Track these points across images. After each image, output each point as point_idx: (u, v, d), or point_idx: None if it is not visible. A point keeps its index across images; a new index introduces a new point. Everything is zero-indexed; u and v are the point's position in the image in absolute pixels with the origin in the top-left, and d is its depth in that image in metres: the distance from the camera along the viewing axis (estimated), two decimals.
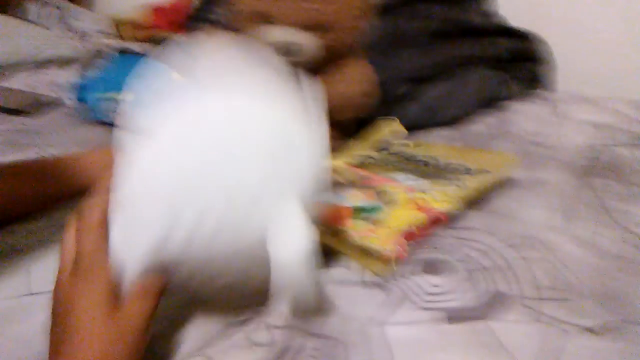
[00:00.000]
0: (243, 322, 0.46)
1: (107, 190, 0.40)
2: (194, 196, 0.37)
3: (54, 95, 1.11)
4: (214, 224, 0.38)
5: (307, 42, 0.65)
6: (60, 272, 0.40)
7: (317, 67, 0.68)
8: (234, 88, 0.41)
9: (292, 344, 0.44)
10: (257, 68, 0.43)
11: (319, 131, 0.43)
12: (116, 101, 0.95)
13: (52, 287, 0.41)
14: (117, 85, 0.98)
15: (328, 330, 0.45)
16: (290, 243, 0.38)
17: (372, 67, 0.75)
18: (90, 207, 0.40)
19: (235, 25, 0.70)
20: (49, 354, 0.38)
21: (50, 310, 0.40)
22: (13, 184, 0.62)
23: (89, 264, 0.38)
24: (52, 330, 0.39)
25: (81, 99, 1.03)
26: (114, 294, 0.38)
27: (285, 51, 0.65)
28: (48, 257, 0.55)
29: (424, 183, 0.63)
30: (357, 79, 0.73)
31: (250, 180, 0.38)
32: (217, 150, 0.38)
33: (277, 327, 0.45)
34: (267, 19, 0.65)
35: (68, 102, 1.07)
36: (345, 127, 0.76)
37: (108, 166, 0.40)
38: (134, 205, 0.38)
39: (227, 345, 0.44)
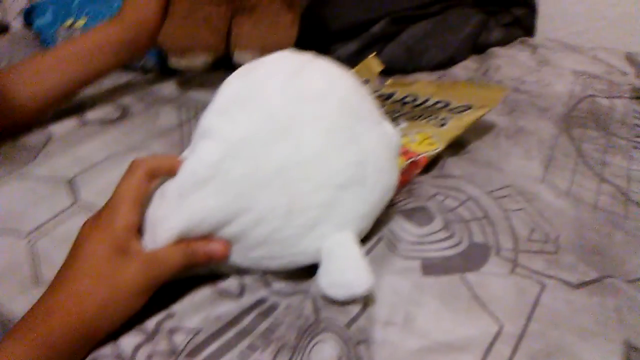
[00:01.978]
0: None
1: (164, 157, 0.42)
2: (258, 201, 0.38)
3: None
4: (266, 234, 0.39)
5: None
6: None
7: None
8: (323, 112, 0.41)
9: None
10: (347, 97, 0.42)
11: (392, 174, 0.44)
12: (66, 27, 0.86)
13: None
14: (68, 9, 0.89)
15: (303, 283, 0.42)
16: (343, 284, 0.38)
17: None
18: (143, 162, 0.39)
19: None
20: (56, 274, 0.37)
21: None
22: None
23: (111, 213, 0.37)
24: (67, 255, 0.38)
25: (30, 23, 0.93)
26: (121, 250, 0.36)
27: None
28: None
29: (403, 124, 0.59)
30: None
31: (315, 203, 0.39)
32: (294, 166, 0.39)
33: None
34: None
35: (14, 27, 0.98)
36: None
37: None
38: (194, 184, 0.38)
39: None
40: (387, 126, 0.45)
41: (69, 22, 0.86)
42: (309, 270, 0.41)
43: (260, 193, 0.38)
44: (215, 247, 0.39)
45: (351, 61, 0.78)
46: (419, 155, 0.55)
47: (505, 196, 0.53)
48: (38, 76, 0.61)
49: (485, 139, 0.64)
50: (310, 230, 0.39)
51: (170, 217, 0.38)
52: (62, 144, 0.62)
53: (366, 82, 0.71)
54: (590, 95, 0.75)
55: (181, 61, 0.69)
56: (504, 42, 0.94)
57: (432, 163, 0.57)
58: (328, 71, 0.43)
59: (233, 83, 0.41)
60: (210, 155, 0.38)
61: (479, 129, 0.64)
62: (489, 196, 0.53)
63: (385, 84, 0.72)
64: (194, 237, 0.39)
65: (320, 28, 0.86)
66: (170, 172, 0.39)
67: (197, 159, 0.39)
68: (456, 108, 0.61)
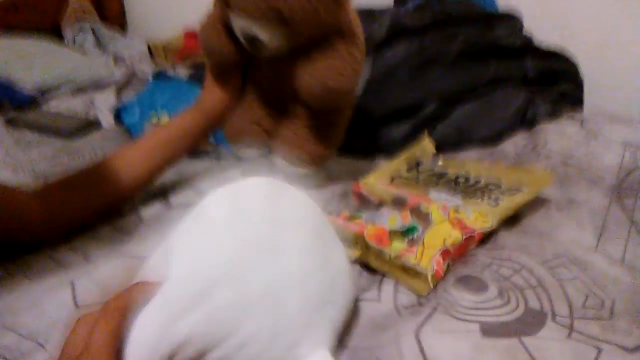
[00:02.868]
0: None
1: (139, 289, 0.38)
2: (244, 325, 0.38)
3: (92, 117, 1.15)
4: (250, 356, 0.38)
5: (267, 36, 0.63)
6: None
7: (287, 57, 0.68)
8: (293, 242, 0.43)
9: None
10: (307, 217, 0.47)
11: (352, 289, 0.48)
12: (152, 123, 0.98)
13: (96, 300, 0.40)
14: (152, 107, 1.02)
15: (360, 341, 0.46)
16: None
17: (367, 58, 0.77)
18: (117, 305, 0.36)
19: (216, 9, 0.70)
20: None
21: None
22: (62, 197, 0.66)
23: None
24: None
25: (119, 121, 1.07)
26: None
27: (248, 42, 0.65)
28: (91, 272, 0.57)
29: (456, 200, 0.64)
30: (343, 66, 0.68)
31: (298, 324, 0.41)
32: (279, 289, 0.40)
33: None
34: (230, 6, 0.63)
35: (106, 124, 1.11)
36: (331, 120, 0.77)
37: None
38: (177, 312, 0.37)
39: None
40: (340, 244, 0.50)
41: (154, 118, 0.98)
42: None
43: (246, 317, 0.38)
44: None
45: (404, 142, 0.85)
46: (475, 230, 0.59)
47: (558, 266, 0.56)
48: (130, 165, 0.71)
49: (537, 211, 0.67)
50: (292, 350, 0.40)
51: (153, 344, 0.36)
52: (152, 226, 0.70)
53: (420, 162, 0.77)
54: (639, 164, 0.77)
55: (238, 152, 0.82)
56: (552, 117, 0.99)
57: (487, 236, 0.61)
58: (300, 198, 0.47)
59: (212, 207, 0.43)
60: (194, 284, 0.38)
61: (531, 202, 0.68)
62: (543, 266, 0.56)
63: (438, 164, 0.77)
64: None
65: (375, 112, 0.94)
66: (147, 301, 0.37)
67: (182, 288, 0.38)
68: (507, 189, 0.66)
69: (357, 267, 0.58)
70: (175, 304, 0.37)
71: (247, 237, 0.41)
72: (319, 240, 0.46)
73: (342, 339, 0.47)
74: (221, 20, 0.69)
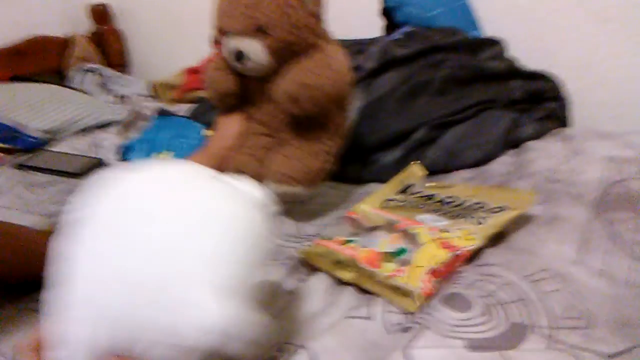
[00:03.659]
0: None
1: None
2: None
3: (97, 157, 1.20)
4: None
5: (251, 48, 0.75)
6: None
7: (274, 68, 0.78)
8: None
9: None
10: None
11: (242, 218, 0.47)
12: (158, 160, 1.03)
13: None
14: (158, 145, 1.07)
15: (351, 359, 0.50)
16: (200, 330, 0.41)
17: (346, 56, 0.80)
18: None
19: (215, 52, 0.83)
20: None
21: None
22: None
23: None
24: None
25: (125, 159, 1.12)
26: None
27: (237, 58, 0.77)
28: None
29: (444, 221, 0.68)
30: (319, 68, 0.76)
31: (187, 274, 0.42)
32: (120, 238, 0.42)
33: None
34: (223, 31, 0.77)
35: (112, 163, 1.16)
36: (323, 120, 0.81)
37: None
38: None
39: None
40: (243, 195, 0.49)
41: (158, 156, 1.03)
42: None
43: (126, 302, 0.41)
44: None
45: (396, 167, 0.89)
46: (461, 249, 0.62)
47: (540, 279, 0.59)
48: None
49: (521, 228, 0.70)
50: (181, 298, 0.41)
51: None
52: None
53: (410, 186, 0.81)
54: (622, 180, 0.80)
55: None
56: (538, 136, 1.02)
57: (474, 254, 0.64)
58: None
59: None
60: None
61: (516, 220, 0.71)
62: (526, 279, 0.59)
63: (426, 185, 0.81)
64: None
65: (366, 139, 0.98)
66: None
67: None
68: (492, 209, 0.70)
69: (351, 288, 0.62)
70: (78, 316, 0.41)
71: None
72: (201, 191, 0.46)
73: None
74: (222, 58, 0.82)
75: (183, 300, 0.40)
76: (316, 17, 0.77)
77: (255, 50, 0.75)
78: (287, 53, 0.76)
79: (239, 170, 0.83)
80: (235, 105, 0.86)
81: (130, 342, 0.40)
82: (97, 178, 0.46)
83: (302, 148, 0.80)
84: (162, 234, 0.42)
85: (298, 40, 0.75)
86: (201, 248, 0.43)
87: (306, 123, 0.80)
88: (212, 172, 0.49)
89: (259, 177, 0.83)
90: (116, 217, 0.43)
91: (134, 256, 0.41)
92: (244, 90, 0.83)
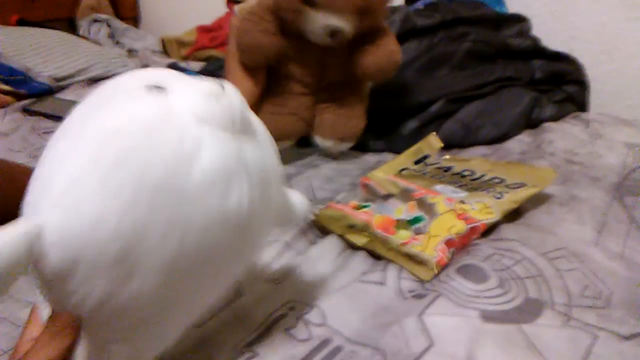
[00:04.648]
0: (279, 319, 0.50)
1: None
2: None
3: None
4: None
5: (348, 26, 0.76)
6: None
7: (351, 44, 0.81)
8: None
9: (330, 340, 0.47)
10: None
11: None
12: None
13: None
14: None
15: (365, 321, 0.49)
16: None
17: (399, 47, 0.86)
18: None
19: (281, 6, 0.78)
20: None
21: None
22: None
23: None
24: None
25: None
26: None
27: (331, 35, 0.76)
28: None
29: (461, 193, 0.66)
30: (394, 44, 0.84)
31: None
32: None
33: (315, 324, 0.49)
34: (311, 2, 0.74)
35: None
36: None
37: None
38: None
39: (270, 340, 0.47)
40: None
41: None
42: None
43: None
44: None
45: (413, 137, 0.87)
46: (478, 222, 0.61)
47: (558, 257, 0.58)
48: None
49: (539, 206, 0.69)
50: None
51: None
52: None
53: (426, 157, 0.79)
54: None
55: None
56: (557, 118, 1.01)
57: (490, 229, 0.63)
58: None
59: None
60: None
61: (534, 198, 0.70)
62: (543, 257, 0.58)
63: (443, 158, 0.79)
64: None
65: (386, 108, 0.96)
66: None
67: None
68: (511, 184, 0.68)
69: (363, 253, 0.61)
70: None
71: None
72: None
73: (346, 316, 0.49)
74: (265, 18, 0.80)
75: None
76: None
77: (350, 29, 0.76)
78: (366, 33, 0.81)
79: (285, 134, 0.86)
80: (269, 64, 0.84)
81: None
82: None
83: (349, 108, 0.88)
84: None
85: (381, 23, 0.84)
86: None
87: (347, 87, 0.89)
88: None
89: (301, 135, 0.89)
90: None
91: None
92: (292, 51, 0.83)
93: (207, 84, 0.35)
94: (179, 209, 0.32)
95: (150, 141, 0.32)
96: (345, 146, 0.89)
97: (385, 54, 0.83)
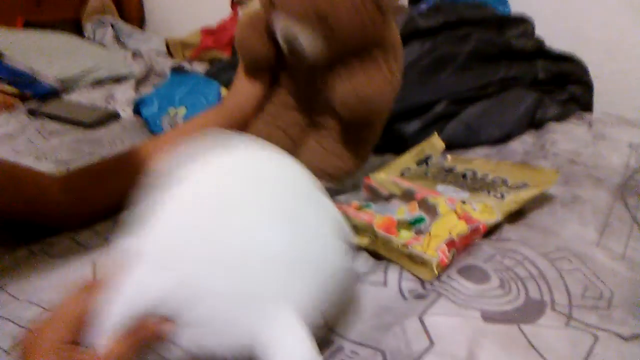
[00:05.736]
0: None
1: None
2: (203, 281, 0.38)
3: (111, 109, 1.19)
4: (209, 313, 0.38)
5: (307, 40, 0.63)
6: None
7: (327, 65, 0.67)
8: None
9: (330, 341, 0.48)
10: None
11: (337, 253, 0.44)
12: (170, 116, 1.01)
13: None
14: (170, 101, 1.05)
15: (366, 322, 0.49)
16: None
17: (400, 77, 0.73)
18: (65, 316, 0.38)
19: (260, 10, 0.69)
20: None
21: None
22: (86, 184, 0.69)
23: None
24: None
25: (137, 113, 1.10)
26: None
27: (287, 44, 0.65)
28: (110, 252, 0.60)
29: (463, 194, 0.66)
30: (375, 80, 0.67)
31: (264, 285, 0.39)
32: (239, 247, 0.39)
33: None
34: (272, 5, 0.63)
35: (124, 115, 1.15)
36: (362, 132, 0.76)
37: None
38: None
39: None
40: (328, 203, 0.46)
41: (172, 111, 1.01)
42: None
43: (215, 278, 0.38)
44: (163, 326, 0.38)
45: (414, 139, 0.87)
46: (480, 223, 0.61)
47: (560, 258, 0.58)
48: (153, 159, 0.74)
49: (541, 207, 0.69)
50: (257, 310, 0.38)
51: (129, 301, 0.37)
52: None
53: (429, 157, 0.79)
54: None
55: None
56: (560, 118, 1.01)
57: (491, 229, 0.63)
58: (282, 160, 0.47)
59: (193, 173, 0.42)
60: (170, 243, 0.39)
61: (536, 199, 0.69)
62: (545, 257, 0.58)
63: (446, 159, 0.79)
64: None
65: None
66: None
67: (158, 247, 0.39)
68: (513, 185, 0.68)
69: (365, 254, 0.61)
70: (152, 262, 0.38)
71: (220, 197, 0.41)
72: (287, 194, 0.43)
73: (347, 318, 0.49)
74: (263, 20, 0.69)
75: (266, 313, 0.38)
76: (382, 10, 0.64)
77: (312, 45, 0.63)
78: (348, 54, 0.66)
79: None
80: (265, 68, 0.77)
81: (187, 309, 0.37)
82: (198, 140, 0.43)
83: (342, 141, 0.74)
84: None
85: (364, 46, 0.66)
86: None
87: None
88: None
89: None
90: (222, 190, 0.41)
91: (235, 237, 0.39)
92: (280, 62, 0.74)
93: None
94: None
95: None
96: (327, 186, 0.69)
97: (355, 88, 0.66)
